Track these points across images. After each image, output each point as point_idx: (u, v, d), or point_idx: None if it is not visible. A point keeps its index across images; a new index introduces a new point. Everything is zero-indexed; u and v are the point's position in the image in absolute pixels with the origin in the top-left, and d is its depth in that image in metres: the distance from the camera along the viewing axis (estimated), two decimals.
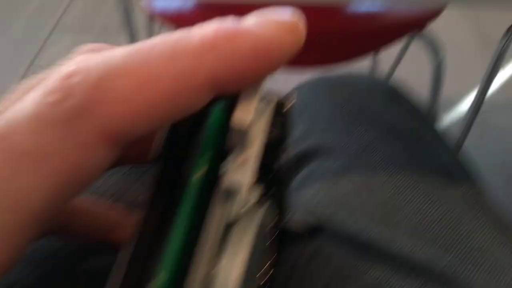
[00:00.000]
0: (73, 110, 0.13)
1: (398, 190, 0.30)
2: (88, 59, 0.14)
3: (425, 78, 0.93)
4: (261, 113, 0.17)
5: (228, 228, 0.16)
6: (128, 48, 0.14)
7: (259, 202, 0.17)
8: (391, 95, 0.39)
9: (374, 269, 0.26)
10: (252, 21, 0.15)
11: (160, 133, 0.17)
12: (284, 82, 0.54)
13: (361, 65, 1.00)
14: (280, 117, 0.18)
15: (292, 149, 0.35)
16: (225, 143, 0.17)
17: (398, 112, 0.37)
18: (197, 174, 0.16)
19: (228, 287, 0.15)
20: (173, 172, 0.17)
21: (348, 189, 0.30)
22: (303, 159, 0.34)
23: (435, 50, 0.88)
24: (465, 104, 1.26)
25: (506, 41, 0.74)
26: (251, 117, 0.15)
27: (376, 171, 0.31)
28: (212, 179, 0.16)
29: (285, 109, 0.18)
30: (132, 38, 0.90)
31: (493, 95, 1.26)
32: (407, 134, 0.35)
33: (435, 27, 0.80)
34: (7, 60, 1.40)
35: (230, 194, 0.16)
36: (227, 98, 0.17)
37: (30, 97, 0.13)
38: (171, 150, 0.17)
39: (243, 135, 0.15)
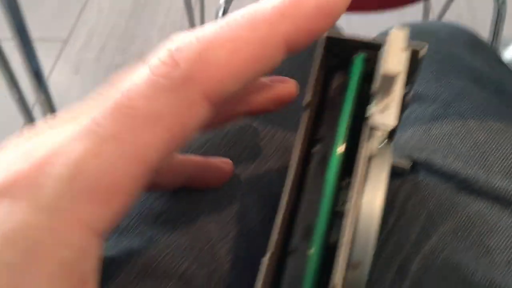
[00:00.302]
0: (180, 79, 0.16)
1: (490, 134, 0.31)
2: (187, 37, 0.17)
3: (479, 19, 0.90)
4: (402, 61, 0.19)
5: (369, 160, 0.18)
6: (216, 24, 0.17)
7: (389, 140, 0.20)
8: (473, 43, 0.40)
9: (474, 203, 0.28)
10: None
11: (309, 83, 0.19)
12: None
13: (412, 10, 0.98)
14: (414, 64, 0.19)
15: None
16: (366, 89, 0.19)
17: (483, 60, 0.38)
18: (345, 116, 0.19)
19: (373, 218, 0.17)
20: (322, 115, 0.19)
21: (441, 134, 0.32)
22: None
23: None
24: None
25: None
26: (400, 65, 0.17)
27: (468, 117, 0.32)
28: (356, 119, 0.19)
29: (419, 57, 0.19)
30: None
31: None
32: (492, 82, 0.36)
33: None
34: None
35: (374, 133, 0.18)
36: (367, 49, 0.19)
37: (143, 70, 0.16)
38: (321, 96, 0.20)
39: (391, 81, 0.17)
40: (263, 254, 0.17)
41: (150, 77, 0.16)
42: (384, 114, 0.18)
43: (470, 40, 0.40)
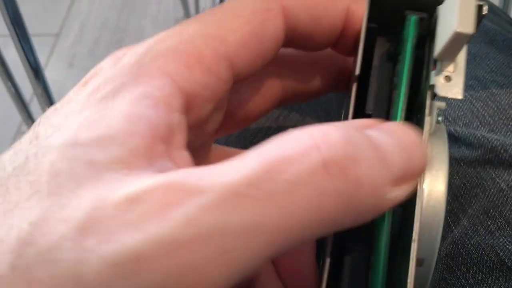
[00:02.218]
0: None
1: None
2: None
3: None
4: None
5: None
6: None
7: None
8: None
9: (504, 175, 0.26)
10: None
11: (357, 53, 0.17)
12: None
13: None
14: (477, 22, 0.17)
15: None
16: (420, 54, 0.16)
17: (496, 23, 0.37)
18: (402, 93, 0.16)
19: (439, 207, 0.15)
20: (367, 87, 0.18)
21: (460, 101, 0.31)
22: None
23: None
24: None
25: None
26: (473, 24, 0.14)
27: (487, 80, 0.31)
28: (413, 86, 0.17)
29: (483, 13, 0.17)
30: None
31: None
32: (509, 43, 0.35)
33: None
34: None
35: (434, 106, 0.16)
36: (419, 11, 0.17)
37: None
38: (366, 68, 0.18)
39: (461, 43, 0.15)
40: None
41: None
42: (451, 84, 0.15)
43: None
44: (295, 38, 0.18)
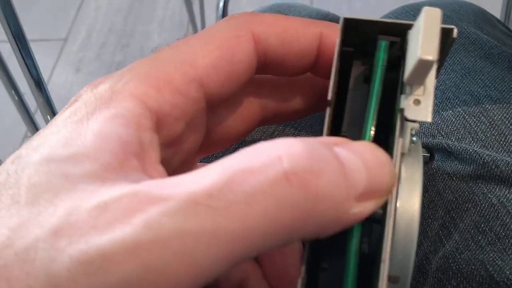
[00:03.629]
0: None
1: (507, 111, 0.30)
2: None
3: None
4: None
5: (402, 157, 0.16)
6: None
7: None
8: (481, 19, 0.38)
9: (495, 190, 0.26)
10: None
11: (331, 77, 0.18)
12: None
13: None
14: (446, 47, 0.17)
15: None
16: (391, 77, 0.17)
17: (492, 36, 0.37)
18: (371, 114, 0.17)
19: (412, 225, 0.15)
20: (343, 108, 0.18)
21: (454, 115, 0.31)
22: None
23: None
24: None
25: None
26: (437, 51, 0.14)
27: (481, 95, 0.31)
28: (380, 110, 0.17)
29: (452, 38, 0.17)
30: None
31: None
32: (504, 57, 0.35)
33: None
34: None
35: (407, 128, 0.16)
36: (388, 34, 0.17)
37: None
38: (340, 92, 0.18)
39: (427, 69, 0.15)
40: None
41: None
42: (420, 107, 0.16)
43: (477, 16, 0.38)
44: (269, 63, 0.19)
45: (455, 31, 0.17)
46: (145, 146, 0.15)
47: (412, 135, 0.17)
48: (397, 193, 0.15)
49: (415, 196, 0.16)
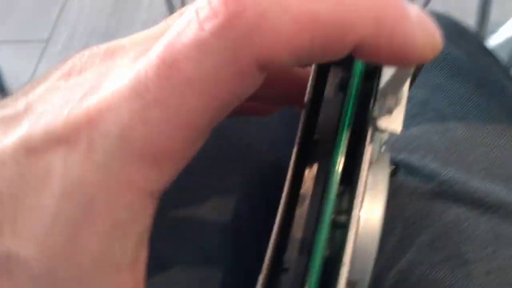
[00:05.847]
0: (236, 39, 0.13)
1: (469, 131, 0.30)
2: None
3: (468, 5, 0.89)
4: None
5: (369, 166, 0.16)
6: None
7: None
8: (455, 32, 0.39)
9: (451, 209, 0.27)
10: None
11: (309, 79, 0.18)
12: None
13: None
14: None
15: None
16: (368, 86, 0.17)
17: (465, 51, 0.37)
18: (345, 125, 0.17)
19: (373, 234, 0.16)
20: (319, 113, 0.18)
21: (419, 132, 0.31)
22: None
23: None
24: None
25: None
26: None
27: (446, 113, 0.32)
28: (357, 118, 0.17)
29: None
30: None
31: None
32: (474, 75, 0.35)
33: None
34: None
35: (376, 137, 0.16)
36: None
37: (191, 24, 0.13)
38: (319, 94, 0.18)
39: (402, 81, 0.15)
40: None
41: (198, 35, 0.13)
42: (391, 118, 0.16)
43: (451, 30, 0.39)
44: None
45: None
46: (140, 240, 0.15)
47: (380, 146, 0.17)
48: (362, 199, 0.16)
49: (379, 205, 0.16)
